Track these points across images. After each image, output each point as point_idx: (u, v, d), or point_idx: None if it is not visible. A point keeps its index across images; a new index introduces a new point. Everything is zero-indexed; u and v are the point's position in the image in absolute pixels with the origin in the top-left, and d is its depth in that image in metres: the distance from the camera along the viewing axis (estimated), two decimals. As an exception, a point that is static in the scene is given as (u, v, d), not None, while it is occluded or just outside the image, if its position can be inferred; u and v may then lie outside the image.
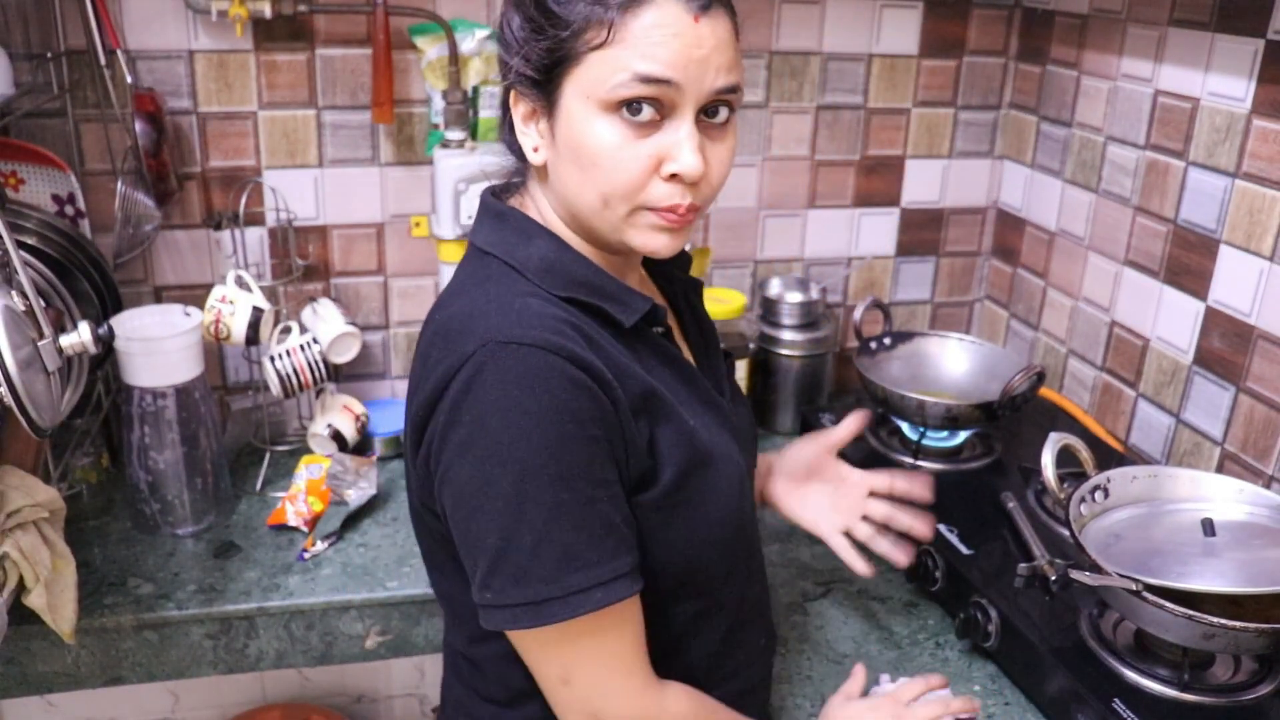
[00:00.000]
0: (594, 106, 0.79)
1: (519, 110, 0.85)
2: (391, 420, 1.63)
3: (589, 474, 0.78)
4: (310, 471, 1.48)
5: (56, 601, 1.13)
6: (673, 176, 0.80)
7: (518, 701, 0.92)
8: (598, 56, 0.78)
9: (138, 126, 1.40)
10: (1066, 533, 1.21)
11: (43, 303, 1.07)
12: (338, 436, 1.54)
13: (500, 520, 0.77)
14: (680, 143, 0.79)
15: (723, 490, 0.89)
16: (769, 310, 1.73)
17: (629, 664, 0.83)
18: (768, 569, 1.36)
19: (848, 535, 1.13)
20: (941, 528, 1.30)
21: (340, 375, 1.69)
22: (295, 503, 1.43)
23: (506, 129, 0.89)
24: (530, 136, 0.85)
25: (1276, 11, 1.24)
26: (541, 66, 0.81)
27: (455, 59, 1.50)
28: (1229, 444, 1.36)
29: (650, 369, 0.86)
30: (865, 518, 1.13)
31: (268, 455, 1.57)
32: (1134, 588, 1.00)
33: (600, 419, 0.78)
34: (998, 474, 1.47)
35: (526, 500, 0.76)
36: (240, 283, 1.46)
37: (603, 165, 0.80)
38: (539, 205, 0.90)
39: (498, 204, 0.90)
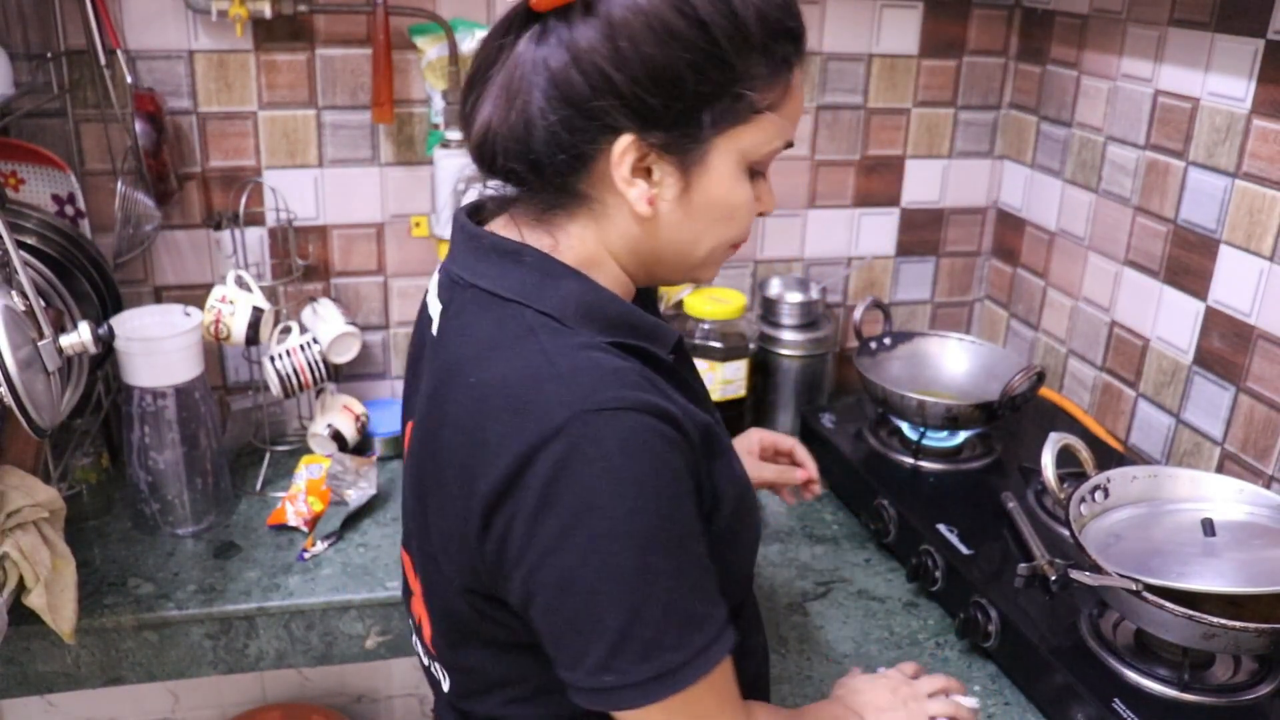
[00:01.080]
0: (743, 166, 0.78)
1: (627, 160, 0.75)
2: (391, 420, 1.63)
3: (695, 529, 0.74)
4: (310, 471, 1.48)
5: (56, 601, 1.13)
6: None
7: None
8: (767, 120, 0.77)
9: (138, 126, 1.40)
10: (1066, 533, 1.21)
11: (43, 303, 1.07)
12: (338, 436, 1.54)
13: (624, 600, 0.71)
14: (768, 189, 0.83)
15: (755, 514, 0.89)
16: (769, 310, 1.73)
17: (735, 701, 0.80)
18: (768, 569, 1.37)
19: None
20: (941, 528, 1.30)
21: (340, 375, 1.69)
22: (295, 503, 1.43)
23: (560, 170, 0.77)
24: (639, 188, 0.76)
25: (1276, 11, 1.24)
26: (695, 120, 0.75)
27: (455, 59, 1.50)
28: (1229, 444, 1.36)
29: (694, 401, 0.81)
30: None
31: (268, 455, 1.57)
32: (1134, 588, 1.00)
33: (691, 470, 0.75)
34: (998, 474, 1.47)
35: (649, 573, 0.71)
36: (240, 283, 1.46)
37: (738, 220, 0.80)
38: (562, 240, 0.80)
39: (503, 240, 0.80)
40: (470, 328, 0.78)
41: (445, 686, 0.90)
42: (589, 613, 0.71)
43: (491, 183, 0.84)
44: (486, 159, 0.78)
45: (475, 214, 0.86)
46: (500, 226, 0.83)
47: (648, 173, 0.77)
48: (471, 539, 0.74)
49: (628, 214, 0.79)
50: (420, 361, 0.88)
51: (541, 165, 0.76)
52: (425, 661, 0.94)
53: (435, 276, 0.88)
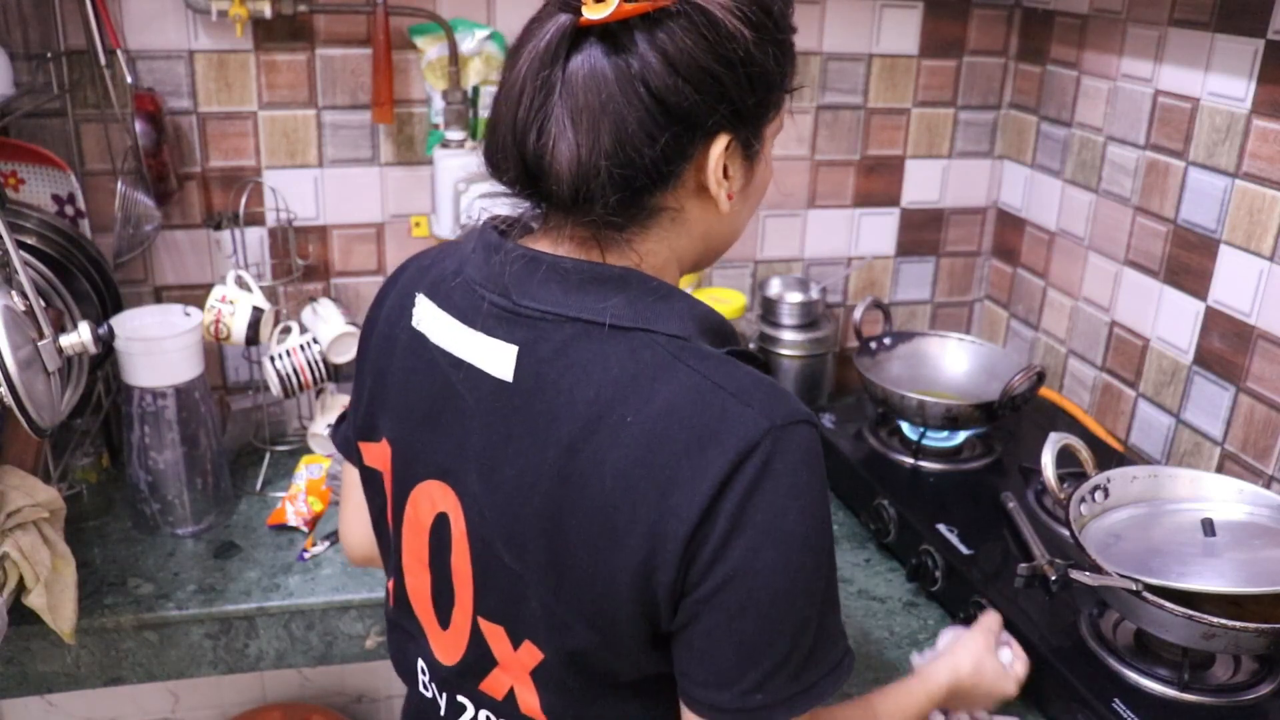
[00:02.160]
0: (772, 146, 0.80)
1: (722, 162, 0.73)
2: (391, 420, 1.62)
3: None
4: (310, 471, 1.48)
5: (56, 601, 1.13)
6: None
7: None
8: (786, 102, 0.79)
9: (138, 126, 1.40)
10: (1066, 533, 1.21)
11: (43, 303, 1.07)
12: (338, 436, 1.54)
13: (795, 621, 0.70)
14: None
15: None
16: (769, 310, 1.73)
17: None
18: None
19: None
20: (941, 528, 1.30)
21: (340, 375, 1.69)
22: (295, 503, 1.43)
23: (658, 186, 0.72)
24: (725, 186, 0.75)
25: (1276, 11, 1.24)
26: (770, 113, 0.76)
27: (455, 59, 1.50)
28: (1229, 444, 1.36)
29: None
30: None
31: (268, 455, 1.57)
32: (1134, 588, 1.00)
33: None
34: (998, 474, 1.47)
35: (819, 595, 0.71)
36: (240, 283, 1.46)
37: (763, 197, 0.83)
38: (647, 258, 0.76)
39: (598, 266, 0.73)
40: (593, 366, 0.70)
41: None
42: (762, 634, 0.70)
43: (523, 205, 0.77)
44: (583, 201, 0.70)
45: (500, 230, 0.79)
46: (556, 247, 0.76)
47: (725, 170, 0.74)
48: (659, 581, 0.70)
49: (704, 216, 0.77)
50: (447, 409, 0.78)
51: (643, 189, 0.71)
52: None
53: (435, 310, 0.79)
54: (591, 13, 0.67)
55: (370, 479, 0.89)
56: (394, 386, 0.83)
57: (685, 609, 0.70)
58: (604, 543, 0.70)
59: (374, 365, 0.86)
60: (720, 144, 0.72)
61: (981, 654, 1.04)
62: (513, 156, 0.72)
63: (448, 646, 0.84)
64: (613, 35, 0.68)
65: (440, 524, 0.80)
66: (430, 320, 0.79)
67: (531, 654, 0.78)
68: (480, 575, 0.78)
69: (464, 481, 0.77)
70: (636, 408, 0.69)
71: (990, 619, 1.11)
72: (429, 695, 0.89)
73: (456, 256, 0.81)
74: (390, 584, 0.89)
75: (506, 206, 0.78)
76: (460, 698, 0.86)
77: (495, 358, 0.73)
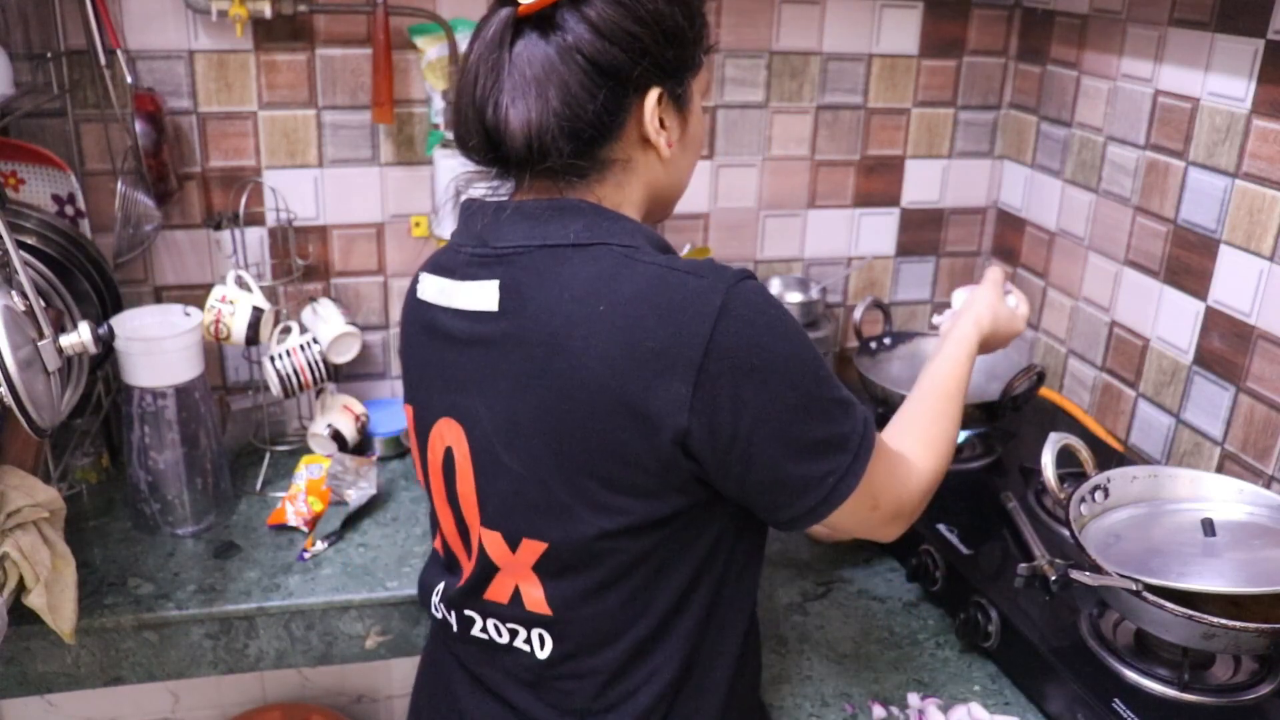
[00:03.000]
0: (701, 102, 0.94)
1: (656, 112, 0.87)
2: (391, 420, 1.63)
3: None
4: (310, 471, 1.48)
5: (56, 601, 1.13)
6: None
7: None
8: (708, 60, 0.93)
9: (138, 126, 1.40)
10: (1066, 533, 1.21)
11: (43, 303, 1.07)
12: (338, 436, 1.55)
13: (817, 410, 0.83)
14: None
15: (764, 532, 1.00)
16: (769, 310, 1.73)
17: (892, 451, 0.95)
18: (768, 569, 1.37)
19: None
20: (941, 528, 1.30)
21: (340, 375, 1.69)
22: (295, 503, 1.43)
23: (605, 140, 0.86)
24: (664, 135, 0.89)
25: (1276, 11, 1.24)
26: (690, 65, 0.89)
27: (455, 59, 1.50)
28: (1229, 444, 1.36)
29: None
30: None
31: (268, 455, 1.57)
32: (1134, 588, 1.00)
33: None
34: (998, 474, 1.47)
35: (819, 380, 0.84)
36: (240, 283, 1.46)
37: (702, 147, 0.97)
38: (606, 200, 0.89)
39: (557, 200, 0.87)
40: (564, 276, 0.83)
41: (544, 653, 0.92)
42: (801, 436, 0.83)
43: (491, 183, 0.91)
44: (538, 155, 0.83)
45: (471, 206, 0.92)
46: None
47: (661, 121, 0.88)
48: (663, 445, 0.80)
49: (649, 164, 0.90)
50: (446, 356, 0.90)
51: (591, 140, 0.84)
52: (504, 639, 0.94)
53: (431, 277, 0.92)
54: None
55: (415, 447, 1.00)
56: (411, 354, 0.97)
57: (735, 466, 0.82)
58: (602, 423, 0.81)
59: (401, 346, 1.00)
60: (653, 97, 0.86)
61: (994, 303, 1.16)
62: (475, 129, 0.85)
63: (466, 569, 0.95)
64: (545, 19, 0.82)
65: (448, 458, 0.92)
66: (430, 287, 0.92)
67: (532, 550, 0.88)
68: (480, 488, 0.89)
69: (466, 407, 0.88)
70: (607, 297, 0.81)
71: (994, 271, 1.21)
72: (439, 617, 1.00)
73: (448, 246, 0.94)
74: (435, 537, 1.02)
75: (481, 190, 0.92)
76: (467, 611, 0.96)
77: (481, 295, 0.86)
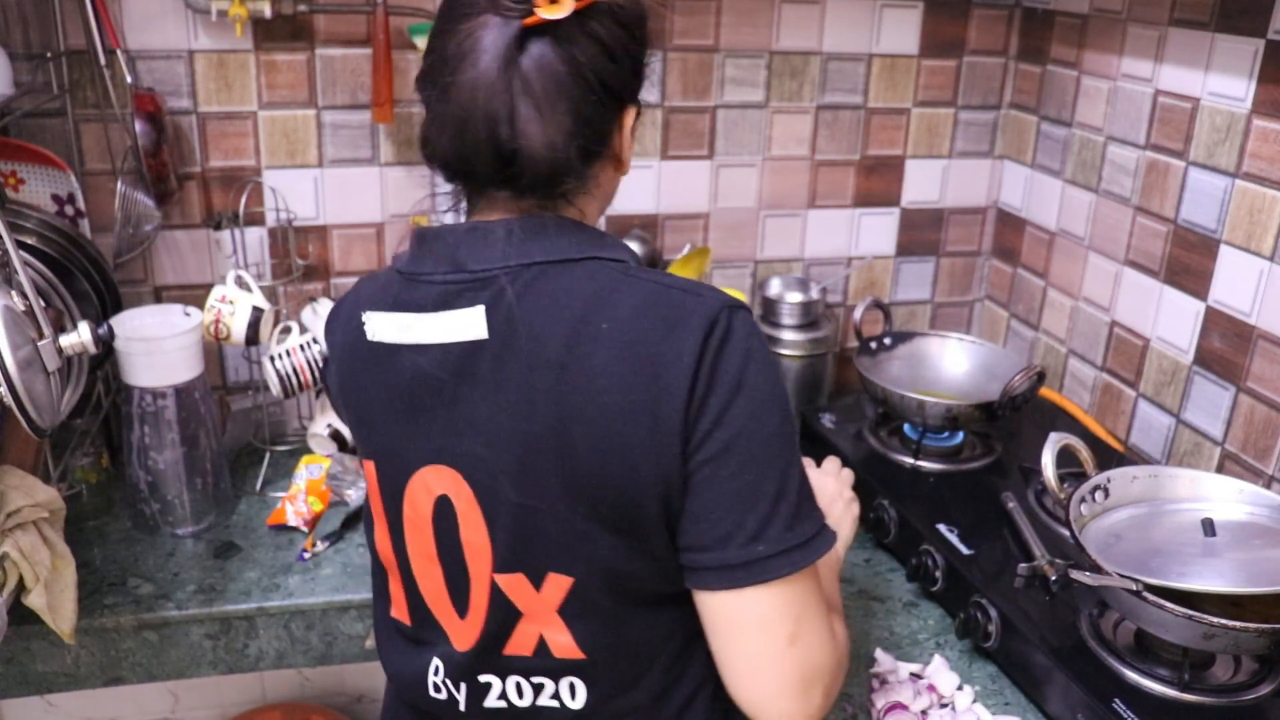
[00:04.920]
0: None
1: (631, 125, 0.86)
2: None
3: None
4: (310, 471, 1.48)
5: (56, 601, 1.13)
6: None
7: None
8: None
9: (138, 126, 1.40)
10: (1066, 533, 1.21)
11: (43, 303, 1.07)
12: (337, 436, 1.54)
13: (778, 463, 0.79)
14: None
15: None
16: (769, 310, 1.73)
17: (835, 624, 0.86)
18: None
19: None
20: (941, 528, 1.30)
21: (340, 375, 1.69)
22: (295, 503, 1.43)
23: (599, 153, 0.84)
24: (628, 151, 0.88)
25: (1276, 11, 1.24)
26: (639, 93, 0.88)
27: (455, 59, 1.50)
28: (1229, 444, 1.36)
29: None
30: None
31: (268, 455, 1.57)
32: (1134, 588, 1.00)
33: None
34: (998, 474, 1.47)
35: (788, 440, 0.80)
36: (240, 283, 1.46)
37: None
38: (577, 214, 0.86)
39: (542, 219, 0.82)
40: (559, 294, 0.79)
41: (577, 703, 0.87)
42: (750, 476, 0.78)
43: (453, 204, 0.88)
44: (559, 174, 0.81)
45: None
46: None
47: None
48: (668, 461, 0.78)
49: (610, 181, 0.89)
50: (422, 400, 0.82)
51: (593, 156, 0.83)
52: (525, 700, 0.87)
53: (384, 315, 0.83)
54: (549, 13, 0.77)
55: (367, 506, 0.93)
56: (366, 404, 0.87)
57: (688, 482, 0.79)
58: (612, 441, 0.77)
59: (345, 400, 0.91)
60: (631, 114, 0.86)
61: (832, 499, 1.12)
62: (486, 151, 0.79)
63: (466, 631, 0.87)
64: (553, 34, 0.78)
65: (442, 506, 0.84)
66: (384, 327, 0.84)
67: (558, 585, 0.83)
68: (493, 530, 0.83)
69: (461, 449, 0.82)
70: (609, 315, 0.78)
71: (827, 464, 1.19)
72: (442, 697, 0.90)
73: (377, 279, 0.88)
74: (399, 600, 0.92)
75: (451, 198, 0.88)
76: (482, 677, 0.88)
77: (463, 324, 0.80)
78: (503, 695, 0.88)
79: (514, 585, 0.84)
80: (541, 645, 0.85)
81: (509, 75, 0.77)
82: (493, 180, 0.82)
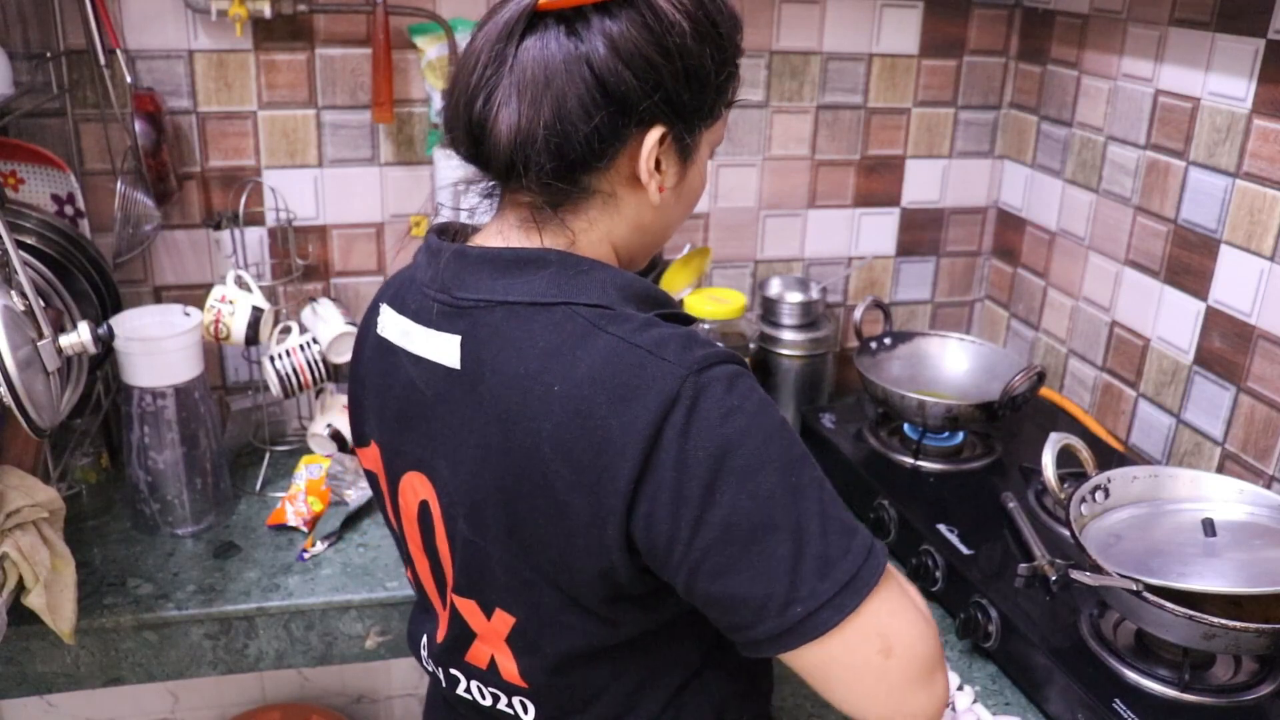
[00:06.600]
0: (708, 157, 0.86)
1: (654, 153, 0.78)
2: (391, 420, 1.62)
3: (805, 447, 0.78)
4: (310, 471, 1.48)
5: (56, 601, 1.13)
6: None
7: None
8: (726, 114, 0.85)
9: (137, 126, 1.40)
10: (1066, 533, 1.21)
11: (42, 303, 1.07)
12: (337, 436, 1.54)
13: (786, 523, 0.73)
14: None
15: None
16: (769, 310, 1.73)
17: (918, 603, 0.80)
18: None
19: None
20: (941, 528, 1.30)
21: (340, 375, 1.69)
22: (295, 503, 1.43)
23: (591, 166, 0.77)
24: (656, 178, 0.80)
25: (1276, 11, 1.24)
26: (707, 115, 0.81)
27: (455, 59, 1.50)
28: (1229, 444, 1.36)
29: None
30: None
31: (268, 455, 1.57)
32: (1134, 588, 1.00)
33: None
34: (998, 474, 1.47)
35: (797, 492, 0.73)
36: (240, 283, 1.46)
37: (697, 203, 0.88)
38: (580, 237, 0.81)
39: (521, 250, 0.79)
40: (522, 343, 0.75)
41: (529, 717, 0.89)
42: (758, 550, 0.72)
43: (468, 199, 0.84)
44: (519, 164, 0.75)
45: (443, 234, 0.85)
46: (497, 235, 0.82)
47: (657, 164, 0.79)
48: (609, 541, 0.74)
49: (636, 205, 0.82)
50: (413, 405, 0.83)
51: (576, 163, 0.76)
52: (488, 701, 0.91)
53: (393, 314, 0.84)
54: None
55: (372, 481, 0.95)
56: (371, 391, 0.89)
57: (678, 560, 0.73)
58: (552, 509, 0.75)
59: (357, 375, 0.92)
60: (655, 135, 0.77)
61: None
62: (462, 119, 0.77)
63: (442, 624, 0.91)
64: (565, 20, 0.74)
65: (424, 511, 0.86)
66: (391, 325, 0.84)
67: (504, 621, 0.84)
68: (453, 553, 0.84)
69: (434, 468, 0.82)
70: (561, 375, 0.73)
71: None
72: (430, 669, 0.96)
73: (404, 272, 0.88)
74: (407, 570, 0.96)
75: (475, 194, 0.85)
76: (453, 670, 0.93)
77: (444, 349, 0.79)
78: (468, 691, 0.92)
79: (468, 609, 0.86)
80: (492, 664, 0.88)
81: (505, 51, 0.74)
82: (470, 154, 0.79)
